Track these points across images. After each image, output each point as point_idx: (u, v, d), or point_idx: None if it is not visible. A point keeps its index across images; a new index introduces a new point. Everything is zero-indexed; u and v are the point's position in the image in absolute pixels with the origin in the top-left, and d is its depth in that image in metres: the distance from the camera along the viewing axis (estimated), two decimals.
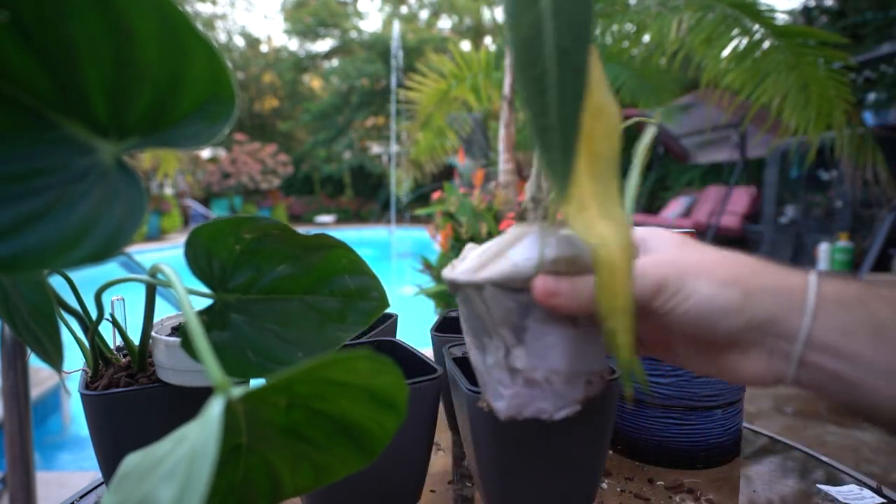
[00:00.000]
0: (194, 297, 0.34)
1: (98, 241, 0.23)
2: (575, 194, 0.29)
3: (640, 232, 0.33)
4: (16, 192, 0.21)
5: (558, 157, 0.27)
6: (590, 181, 0.29)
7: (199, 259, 0.37)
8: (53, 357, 0.38)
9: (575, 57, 0.27)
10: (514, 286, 0.31)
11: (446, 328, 0.66)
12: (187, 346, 0.37)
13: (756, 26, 1.88)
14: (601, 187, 0.29)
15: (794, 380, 0.28)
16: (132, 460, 0.22)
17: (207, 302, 0.39)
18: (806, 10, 6.13)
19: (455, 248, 2.38)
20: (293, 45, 15.91)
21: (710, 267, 0.29)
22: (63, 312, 0.43)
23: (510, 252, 0.31)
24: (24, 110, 0.22)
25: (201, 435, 0.19)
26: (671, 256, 0.31)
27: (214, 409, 0.20)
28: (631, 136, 0.33)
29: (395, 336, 0.61)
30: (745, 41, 1.93)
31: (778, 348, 0.28)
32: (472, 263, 0.33)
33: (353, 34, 15.08)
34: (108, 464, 0.44)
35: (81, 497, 0.52)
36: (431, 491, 0.52)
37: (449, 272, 0.34)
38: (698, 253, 0.31)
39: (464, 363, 0.50)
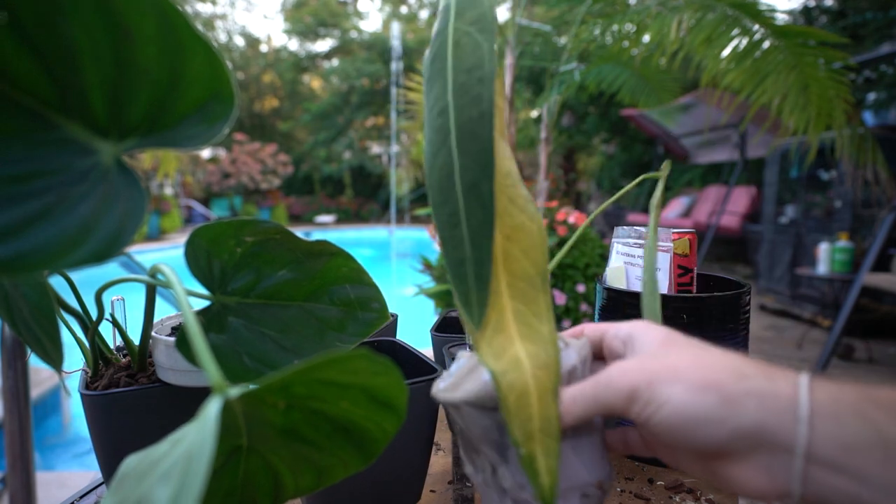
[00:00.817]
0: (193, 299, 0.34)
1: (99, 241, 0.23)
2: (492, 318, 0.29)
3: (626, 328, 0.31)
4: (17, 194, 0.21)
5: (472, 285, 0.28)
6: (511, 301, 0.29)
7: (200, 260, 0.37)
8: (54, 357, 0.38)
9: (482, 189, 0.28)
10: (488, 405, 0.29)
11: (446, 328, 0.66)
12: (183, 347, 0.36)
13: (756, 26, 1.88)
14: (523, 305, 0.29)
15: (801, 497, 0.25)
16: (131, 461, 0.22)
17: (205, 303, 0.39)
18: (806, 10, 6.13)
19: None
20: (293, 45, 15.92)
21: (684, 371, 0.27)
22: (63, 312, 0.43)
23: (482, 368, 0.30)
24: (25, 111, 0.22)
25: (198, 435, 0.19)
26: (643, 362, 0.28)
27: (211, 410, 0.20)
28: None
29: (395, 336, 0.61)
30: (745, 41, 1.92)
31: (775, 463, 0.25)
32: (450, 380, 0.32)
33: (353, 34, 15.07)
34: (108, 464, 0.44)
35: (81, 497, 0.52)
36: (431, 491, 0.52)
37: (434, 388, 0.32)
38: (676, 354, 0.28)
39: None
